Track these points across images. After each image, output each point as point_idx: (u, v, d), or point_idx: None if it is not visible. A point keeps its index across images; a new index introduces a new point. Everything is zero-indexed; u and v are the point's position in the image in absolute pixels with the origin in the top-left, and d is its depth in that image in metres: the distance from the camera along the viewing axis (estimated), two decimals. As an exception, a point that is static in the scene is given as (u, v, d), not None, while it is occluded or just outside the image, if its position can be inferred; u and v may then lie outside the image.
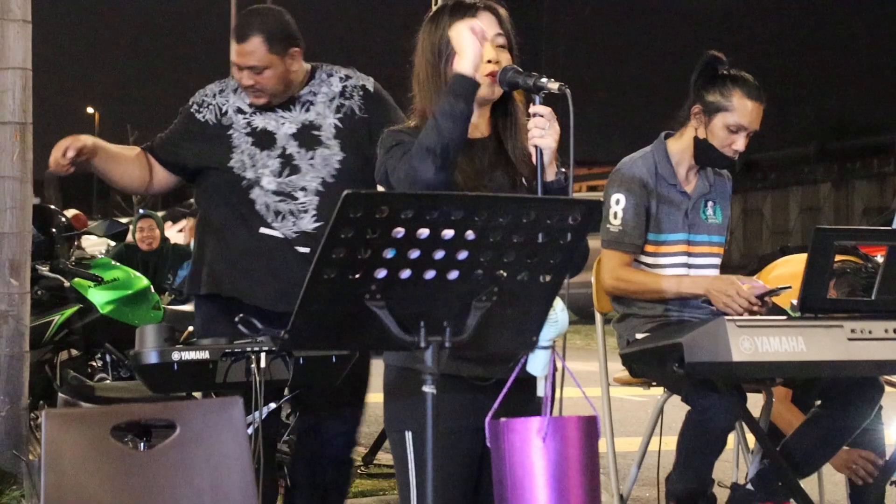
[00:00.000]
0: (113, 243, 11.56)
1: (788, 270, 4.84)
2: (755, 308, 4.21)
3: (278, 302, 4.30)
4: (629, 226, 4.37)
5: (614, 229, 4.38)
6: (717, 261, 4.54)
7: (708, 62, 4.42)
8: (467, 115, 3.12)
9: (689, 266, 4.45)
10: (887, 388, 4.62)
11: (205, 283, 4.54)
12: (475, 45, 3.13)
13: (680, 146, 4.48)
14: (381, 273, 2.63)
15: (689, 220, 4.45)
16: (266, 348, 3.49)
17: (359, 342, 2.86)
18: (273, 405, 3.75)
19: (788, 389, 4.80)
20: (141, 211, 10.40)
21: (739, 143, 4.37)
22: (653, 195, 4.40)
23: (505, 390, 3.04)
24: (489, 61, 3.23)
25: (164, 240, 10.47)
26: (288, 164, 4.46)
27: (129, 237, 11.00)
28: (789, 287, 4.37)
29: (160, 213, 12.41)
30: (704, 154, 4.43)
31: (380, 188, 3.27)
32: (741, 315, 4.15)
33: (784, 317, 3.91)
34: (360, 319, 2.69)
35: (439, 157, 3.06)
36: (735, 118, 4.35)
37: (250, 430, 3.36)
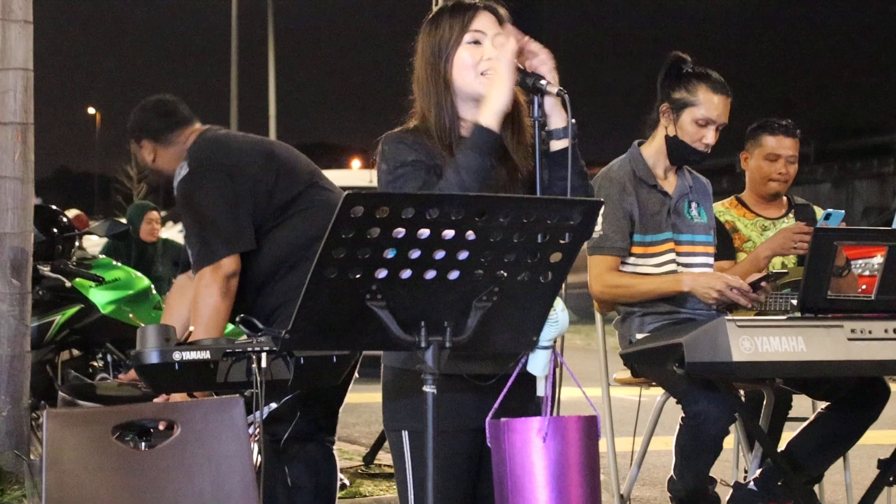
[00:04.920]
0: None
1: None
2: (752, 295, 4.25)
3: None
4: (609, 229, 4.45)
5: (595, 235, 4.45)
6: (710, 260, 4.56)
7: (673, 63, 4.54)
8: (490, 167, 3.13)
9: (679, 265, 4.48)
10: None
11: None
12: (505, 96, 3.12)
13: (653, 149, 4.59)
14: (382, 273, 2.63)
15: (673, 220, 4.51)
16: (267, 348, 3.50)
17: (359, 342, 2.86)
18: (274, 405, 3.75)
19: None
20: (146, 203, 10.40)
21: (709, 136, 4.50)
22: (633, 198, 4.47)
23: (505, 390, 3.05)
24: (489, 58, 3.23)
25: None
26: None
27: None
28: (787, 272, 4.38)
29: (162, 213, 12.44)
30: (677, 150, 4.54)
31: None
32: (726, 304, 4.21)
33: (784, 317, 3.90)
34: (361, 319, 2.69)
35: None
36: (702, 112, 4.47)
37: (251, 430, 3.37)
